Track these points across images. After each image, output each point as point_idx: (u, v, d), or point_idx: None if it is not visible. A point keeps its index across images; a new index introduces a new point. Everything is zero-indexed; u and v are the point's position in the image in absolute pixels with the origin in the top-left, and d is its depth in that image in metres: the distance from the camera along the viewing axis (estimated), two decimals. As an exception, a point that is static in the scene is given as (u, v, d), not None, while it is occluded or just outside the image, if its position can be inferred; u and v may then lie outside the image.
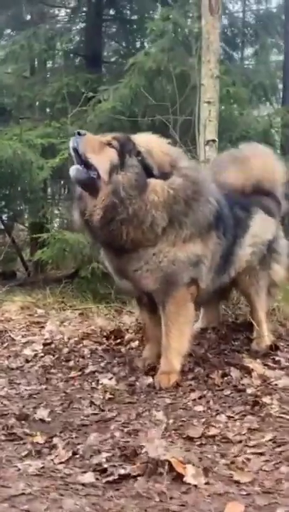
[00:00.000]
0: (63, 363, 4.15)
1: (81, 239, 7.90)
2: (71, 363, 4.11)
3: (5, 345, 4.86)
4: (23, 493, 2.21)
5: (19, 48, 10.22)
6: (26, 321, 6.11)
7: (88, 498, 2.16)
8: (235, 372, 3.53)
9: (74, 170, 3.50)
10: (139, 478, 2.28)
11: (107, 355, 4.23)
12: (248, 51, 13.66)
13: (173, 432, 2.86)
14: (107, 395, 3.46)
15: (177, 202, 3.53)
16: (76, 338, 4.77)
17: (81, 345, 4.60)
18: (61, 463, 2.50)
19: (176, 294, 3.60)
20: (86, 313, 6.43)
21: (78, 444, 2.67)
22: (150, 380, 3.65)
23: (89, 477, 2.32)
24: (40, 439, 2.77)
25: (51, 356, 4.32)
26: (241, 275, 4.10)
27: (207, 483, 2.25)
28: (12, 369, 4.15)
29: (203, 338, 4.35)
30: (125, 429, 2.90)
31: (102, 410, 3.24)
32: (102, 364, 4.02)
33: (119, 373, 3.82)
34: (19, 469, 2.45)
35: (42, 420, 3.09)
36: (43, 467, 2.46)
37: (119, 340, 4.64)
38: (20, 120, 10.22)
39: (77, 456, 2.55)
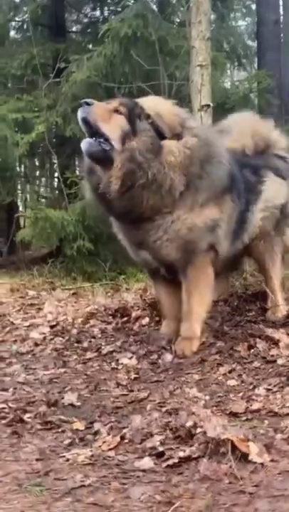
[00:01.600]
0: (76, 345, 4.01)
1: (65, 216, 7.72)
2: (85, 344, 3.98)
3: (7, 329, 4.69)
4: (82, 485, 2.08)
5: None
6: (19, 303, 5.95)
7: (154, 486, 2.05)
8: (261, 344, 3.45)
9: (86, 143, 3.42)
10: (200, 459, 2.18)
11: (120, 334, 4.10)
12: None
13: (214, 408, 2.76)
14: (132, 375, 3.35)
15: (193, 163, 3.46)
16: (81, 319, 4.62)
17: (89, 325, 4.46)
18: (110, 449, 2.37)
19: (195, 261, 3.56)
20: (79, 292, 6.29)
21: (123, 428, 2.55)
22: (171, 357, 3.55)
23: (147, 462, 2.21)
24: (79, 425, 2.64)
25: (61, 338, 4.17)
26: (255, 241, 4.04)
27: (273, 461, 2.16)
28: (22, 354, 3.99)
29: (215, 310, 4.25)
30: (163, 409, 2.78)
31: (131, 391, 3.13)
32: (118, 343, 3.89)
33: (138, 352, 3.70)
34: (68, 459, 2.32)
35: (72, 405, 2.96)
36: (92, 455, 2.33)
37: (126, 319, 4.52)
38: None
39: (126, 441, 2.43)
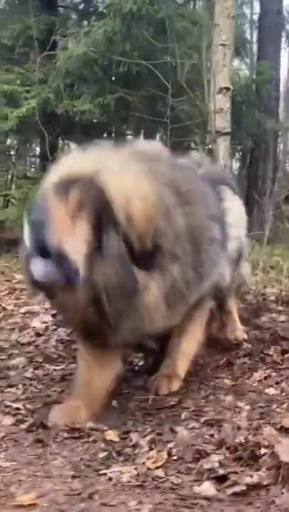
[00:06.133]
0: (83, 337, 3.65)
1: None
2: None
3: (0, 315, 4.29)
4: (137, 515, 1.75)
5: None
6: (6, 287, 5.54)
7: (225, 519, 1.73)
8: (294, 348, 3.16)
9: (41, 268, 2.23)
10: (272, 488, 1.87)
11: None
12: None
13: (261, 421, 2.45)
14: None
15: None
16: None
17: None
18: (158, 467, 2.04)
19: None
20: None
21: (167, 441, 2.22)
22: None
23: (208, 488, 1.88)
24: (113, 435, 2.30)
25: (65, 329, 3.79)
26: None
27: None
28: (23, 344, 3.61)
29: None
30: (202, 419, 2.48)
31: (158, 394, 2.80)
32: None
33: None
34: (110, 478, 1.98)
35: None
36: (137, 474, 2.01)
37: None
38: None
39: (175, 458, 2.10)
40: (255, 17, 11.19)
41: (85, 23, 10.52)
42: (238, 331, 3.58)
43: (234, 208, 3.32)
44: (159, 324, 2.57)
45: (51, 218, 2.23)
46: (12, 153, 9.24)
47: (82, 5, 11.50)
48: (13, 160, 9.32)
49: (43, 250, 2.22)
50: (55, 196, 2.30)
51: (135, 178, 2.42)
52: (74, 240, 2.22)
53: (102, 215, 2.27)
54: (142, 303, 2.38)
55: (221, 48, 4.71)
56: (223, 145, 4.85)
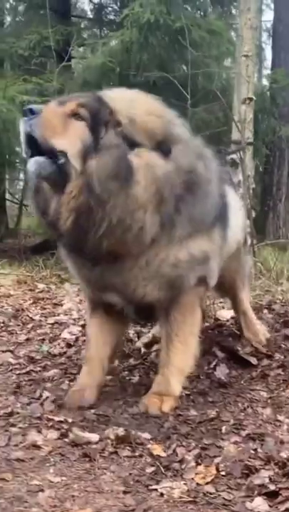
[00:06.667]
0: (115, 349, 3.67)
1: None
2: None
3: (29, 326, 4.34)
4: (194, 531, 1.77)
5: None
6: (29, 296, 5.59)
7: (281, 535, 1.75)
8: None
9: (35, 163, 2.43)
10: None
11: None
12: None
13: (302, 435, 2.47)
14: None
15: (174, 192, 2.53)
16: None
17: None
18: (208, 483, 2.06)
19: (182, 300, 2.75)
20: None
21: (214, 456, 2.24)
22: (226, 371, 3.23)
23: (261, 504, 1.90)
24: (159, 450, 2.32)
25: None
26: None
27: None
28: (55, 356, 3.64)
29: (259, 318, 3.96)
30: (243, 432, 2.49)
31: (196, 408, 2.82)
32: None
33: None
34: (162, 494, 2.00)
35: (134, 418, 2.64)
36: (188, 490, 2.02)
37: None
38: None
39: (224, 473, 2.12)
40: (265, 24, 11.25)
41: (97, 31, 10.61)
42: (260, 333, 3.58)
43: (232, 202, 3.20)
44: (147, 232, 2.49)
45: (44, 118, 2.42)
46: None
47: (94, 14, 11.61)
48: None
49: (36, 148, 2.41)
50: (53, 103, 2.56)
51: (140, 96, 2.64)
52: (67, 137, 2.43)
53: (98, 115, 2.47)
54: (133, 192, 2.41)
55: (244, 58, 4.74)
56: (247, 155, 4.90)
